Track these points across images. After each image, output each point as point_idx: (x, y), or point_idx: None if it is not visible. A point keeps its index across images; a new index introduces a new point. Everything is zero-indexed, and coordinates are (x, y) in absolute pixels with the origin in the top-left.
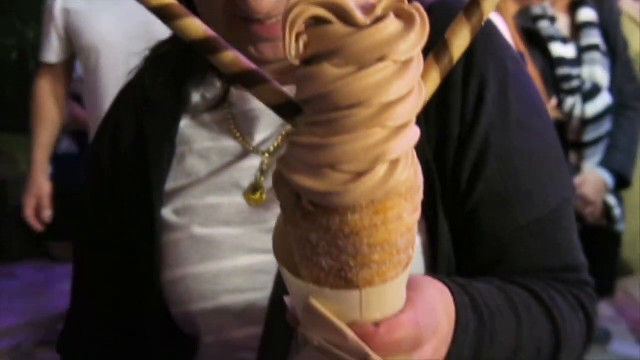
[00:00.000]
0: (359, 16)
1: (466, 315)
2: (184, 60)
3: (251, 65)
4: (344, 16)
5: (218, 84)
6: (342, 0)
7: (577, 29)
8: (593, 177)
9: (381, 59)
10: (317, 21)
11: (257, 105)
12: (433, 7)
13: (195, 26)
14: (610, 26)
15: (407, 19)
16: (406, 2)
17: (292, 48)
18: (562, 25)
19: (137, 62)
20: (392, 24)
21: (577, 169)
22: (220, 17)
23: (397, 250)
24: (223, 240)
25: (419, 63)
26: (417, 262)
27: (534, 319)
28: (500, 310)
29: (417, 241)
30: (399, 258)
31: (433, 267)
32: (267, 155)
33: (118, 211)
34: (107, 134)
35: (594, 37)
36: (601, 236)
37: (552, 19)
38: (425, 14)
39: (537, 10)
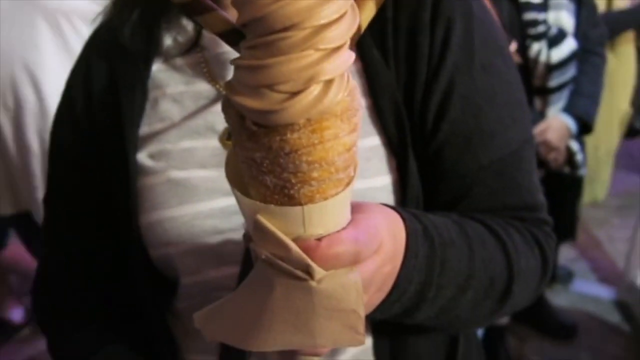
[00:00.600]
0: None
1: (416, 241)
2: (154, 1)
3: None
4: None
5: (190, 27)
6: None
7: None
8: (557, 122)
9: None
10: None
11: (228, 48)
12: None
13: None
14: None
15: None
16: None
17: None
18: None
19: None
20: None
21: (541, 115)
22: None
23: (335, 169)
24: (199, 183)
25: None
26: (386, 200)
27: (487, 252)
28: (452, 240)
29: (387, 180)
30: (338, 176)
31: (402, 206)
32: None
33: (93, 157)
34: (79, 78)
35: None
36: (564, 181)
37: None
38: None
39: None
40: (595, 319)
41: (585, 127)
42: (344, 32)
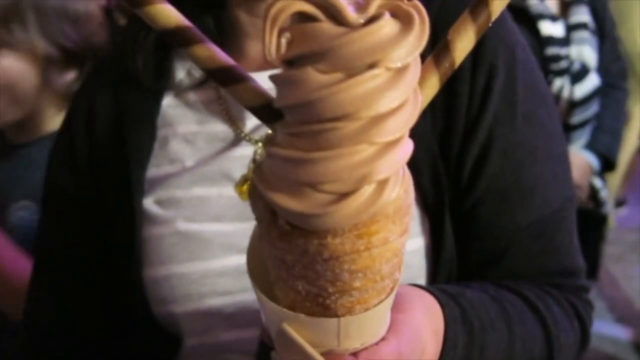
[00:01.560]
0: (350, 14)
1: (455, 330)
2: None
3: (229, 61)
4: (333, 13)
5: None
6: None
7: (566, 6)
8: (579, 160)
9: (373, 65)
10: (303, 17)
11: None
12: None
13: (167, 13)
14: (598, 4)
15: (404, 20)
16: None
17: (273, 46)
18: (551, 2)
19: None
20: (386, 25)
21: None
22: None
23: (381, 277)
24: (212, 237)
25: (415, 69)
26: (418, 265)
27: (527, 331)
28: (492, 324)
29: (420, 243)
30: (383, 284)
31: (435, 271)
32: (260, 144)
33: (94, 200)
34: (80, 112)
35: (582, 15)
36: (587, 219)
37: None
38: (425, 14)
39: None
40: None
41: (607, 164)
42: (404, 123)
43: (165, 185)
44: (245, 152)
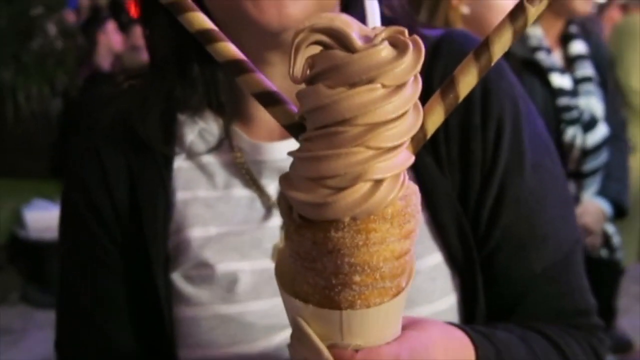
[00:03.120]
0: (356, 42)
1: None
2: (176, 93)
3: (272, 87)
4: (343, 42)
5: (215, 121)
6: (342, 28)
7: (570, 61)
8: (593, 206)
9: (370, 81)
10: (323, 46)
11: (269, 155)
12: (442, 41)
13: (229, 49)
14: (600, 59)
15: (401, 47)
16: (405, 33)
17: (296, 69)
18: (556, 56)
19: None
20: (384, 50)
21: (576, 199)
22: None
23: (380, 276)
24: (255, 320)
25: (412, 90)
26: (451, 320)
27: None
28: None
29: (452, 300)
30: (384, 285)
31: (468, 324)
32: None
33: (123, 272)
34: (93, 170)
35: (587, 69)
36: (601, 265)
37: (548, 50)
38: (421, 44)
39: (533, 41)
40: None
41: (619, 211)
42: (402, 133)
43: (191, 257)
44: (275, 222)
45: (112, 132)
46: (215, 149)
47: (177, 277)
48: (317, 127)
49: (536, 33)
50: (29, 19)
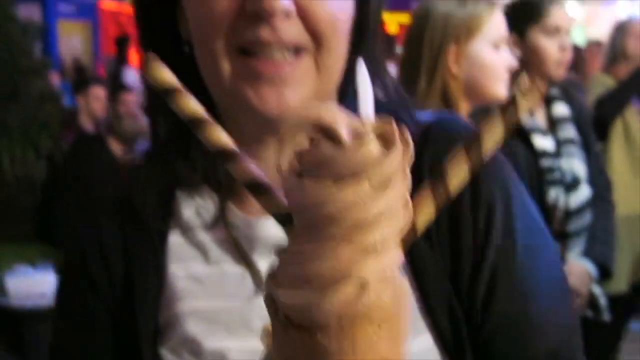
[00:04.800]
0: (344, 136)
1: None
2: (174, 171)
3: (260, 176)
4: (332, 135)
5: (211, 199)
6: (330, 121)
7: (553, 122)
8: (578, 267)
9: (357, 177)
10: (311, 138)
11: (261, 231)
12: (433, 126)
13: (219, 137)
14: (582, 121)
15: (388, 144)
16: (393, 127)
17: (283, 162)
18: (539, 118)
19: None
20: (371, 146)
21: (561, 260)
22: (220, 48)
23: None
24: None
25: (399, 187)
26: None
27: None
28: None
29: None
30: None
31: None
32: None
33: (113, 342)
34: (90, 240)
35: (569, 131)
36: (587, 326)
37: (530, 112)
38: (409, 140)
39: None
40: None
41: (605, 272)
42: (386, 231)
43: (179, 332)
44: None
45: (112, 206)
46: (209, 225)
47: (165, 352)
48: (303, 223)
49: None
50: (14, 82)
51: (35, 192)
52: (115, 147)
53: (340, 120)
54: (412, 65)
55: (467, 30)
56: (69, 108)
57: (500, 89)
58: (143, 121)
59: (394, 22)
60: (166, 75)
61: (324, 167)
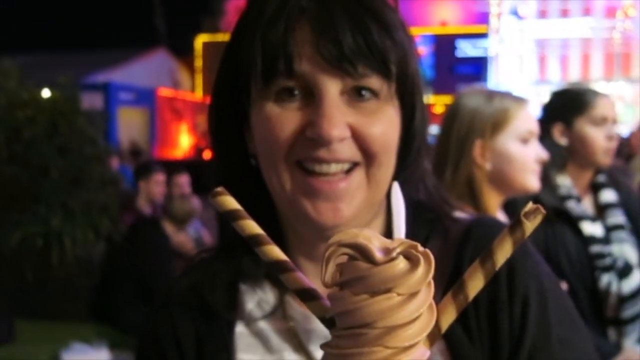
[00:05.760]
0: (377, 255)
1: None
2: (239, 266)
3: (309, 284)
4: (366, 255)
5: (272, 291)
6: (366, 243)
7: (601, 209)
8: (635, 355)
9: (387, 291)
10: (350, 257)
11: (317, 324)
12: (473, 225)
13: (274, 251)
14: (631, 207)
15: (414, 262)
16: (419, 247)
17: (327, 276)
18: (586, 204)
19: None
20: (399, 265)
21: (617, 347)
22: (283, 166)
23: None
24: None
25: (425, 295)
26: None
27: None
28: None
29: None
30: None
31: None
32: None
33: None
34: (167, 336)
35: (618, 217)
36: None
37: (578, 199)
38: (431, 257)
39: (563, 190)
40: None
41: None
42: (416, 333)
43: None
44: None
45: (185, 299)
46: (270, 316)
47: None
48: (344, 327)
49: (565, 182)
50: (79, 169)
51: (93, 272)
52: (169, 228)
53: (372, 241)
54: (440, 156)
55: (492, 125)
56: (127, 191)
57: (530, 181)
58: (194, 202)
59: (440, 103)
60: (231, 203)
61: (360, 283)
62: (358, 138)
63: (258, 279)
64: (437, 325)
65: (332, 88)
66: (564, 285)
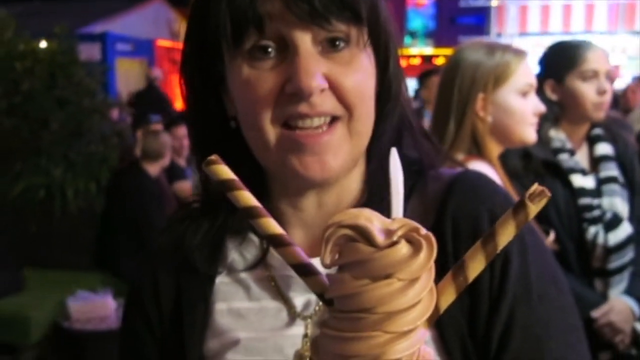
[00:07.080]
0: (378, 238)
1: None
2: (225, 220)
3: (307, 259)
4: (367, 237)
5: (257, 242)
6: (366, 225)
7: (595, 161)
8: (620, 305)
9: (388, 276)
10: (350, 238)
11: None
12: (457, 179)
13: (270, 224)
14: (626, 160)
15: (416, 246)
16: (421, 230)
17: (326, 257)
18: (581, 157)
19: None
20: (401, 250)
21: (603, 296)
22: (265, 124)
23: None
24: None
25: (425, 280)
26: None
27: None
28: None
29: None
30: None
31: None
32: (309, 320)
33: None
34: (148, 289)
35: (611, 170)
36: None
37: (571, 152)
38: (434, 241)
39: (556, 143)
40: None
41: None
42: (416, 317)
43: (222, 358)
44: (297, 331)
45: (167, 255)
46: (252, 265)
47: None
48: (343, 310)
49: (559, 136)
50: (79, 121)
51: (95, 223)
52: (151, 169)
53: (373, 222)
54: (443, 109)
55: (494, 79)
56: (126, 143)
57: (528, 133)
58: (164, 137)
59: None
60: (225, 172)
61: (361, 266)
62: (335, 89)
63: (243, 232)
64: (436, 306)
65: (305, 41)
66: (552, 235)
